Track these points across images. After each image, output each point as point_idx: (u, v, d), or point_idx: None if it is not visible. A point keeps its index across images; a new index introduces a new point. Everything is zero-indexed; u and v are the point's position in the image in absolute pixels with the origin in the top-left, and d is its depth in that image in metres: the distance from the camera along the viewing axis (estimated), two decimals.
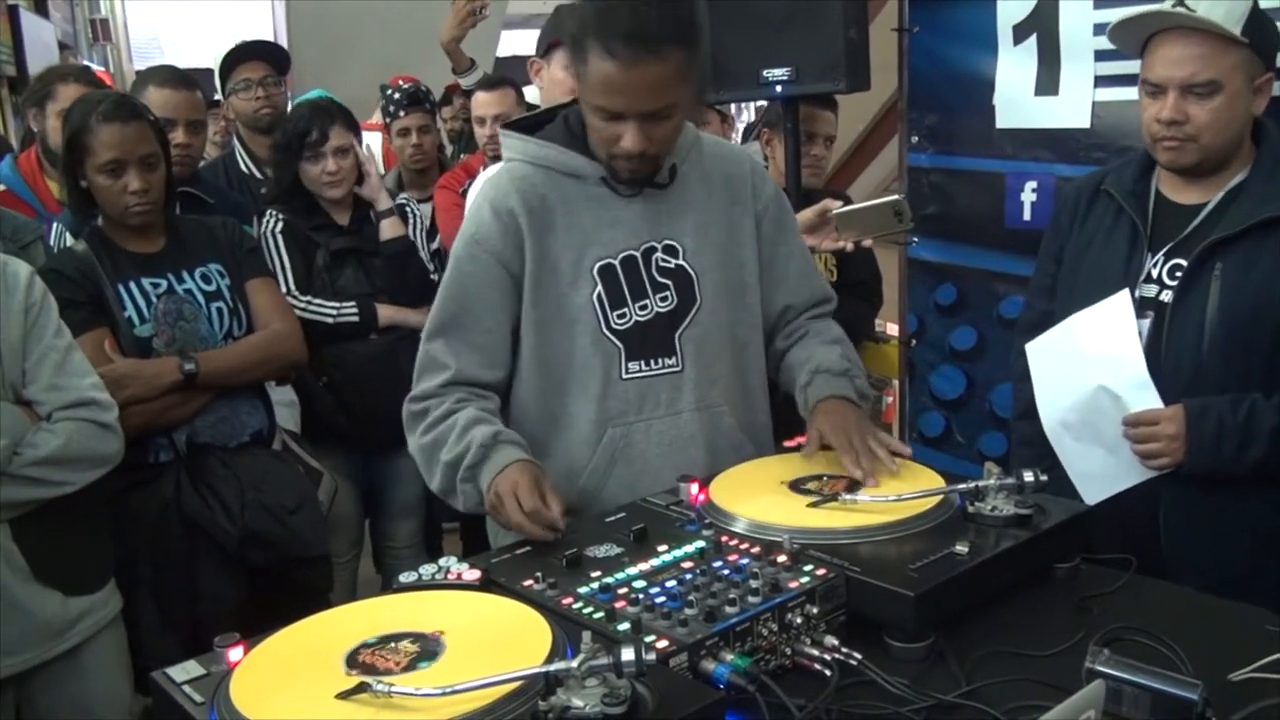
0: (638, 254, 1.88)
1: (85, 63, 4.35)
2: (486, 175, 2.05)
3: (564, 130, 1.91)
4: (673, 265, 1.90)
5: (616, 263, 1.87)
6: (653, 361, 1.89)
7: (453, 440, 1.79)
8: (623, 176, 1.84)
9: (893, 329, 3.56)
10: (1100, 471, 2.04)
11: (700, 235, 1.92)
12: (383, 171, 3.61)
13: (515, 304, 1.88)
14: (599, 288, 1.86)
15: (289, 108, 3.60)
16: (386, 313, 3.01)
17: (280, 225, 3.00)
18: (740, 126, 6.75)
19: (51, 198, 3.02)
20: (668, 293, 1.89)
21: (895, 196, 2.43)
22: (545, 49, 2.67)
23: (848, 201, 2.65)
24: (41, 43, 5.73)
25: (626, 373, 1.88)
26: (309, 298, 2.96)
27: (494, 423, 1.82)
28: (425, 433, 1.85)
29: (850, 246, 2.39)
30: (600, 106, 1.74)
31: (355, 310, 2.97)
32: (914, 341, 3.22)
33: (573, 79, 1.82)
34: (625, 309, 1.87)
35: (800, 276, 2.06)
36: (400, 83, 3.92)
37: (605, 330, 1.86)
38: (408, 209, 3.18)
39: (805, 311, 2.07)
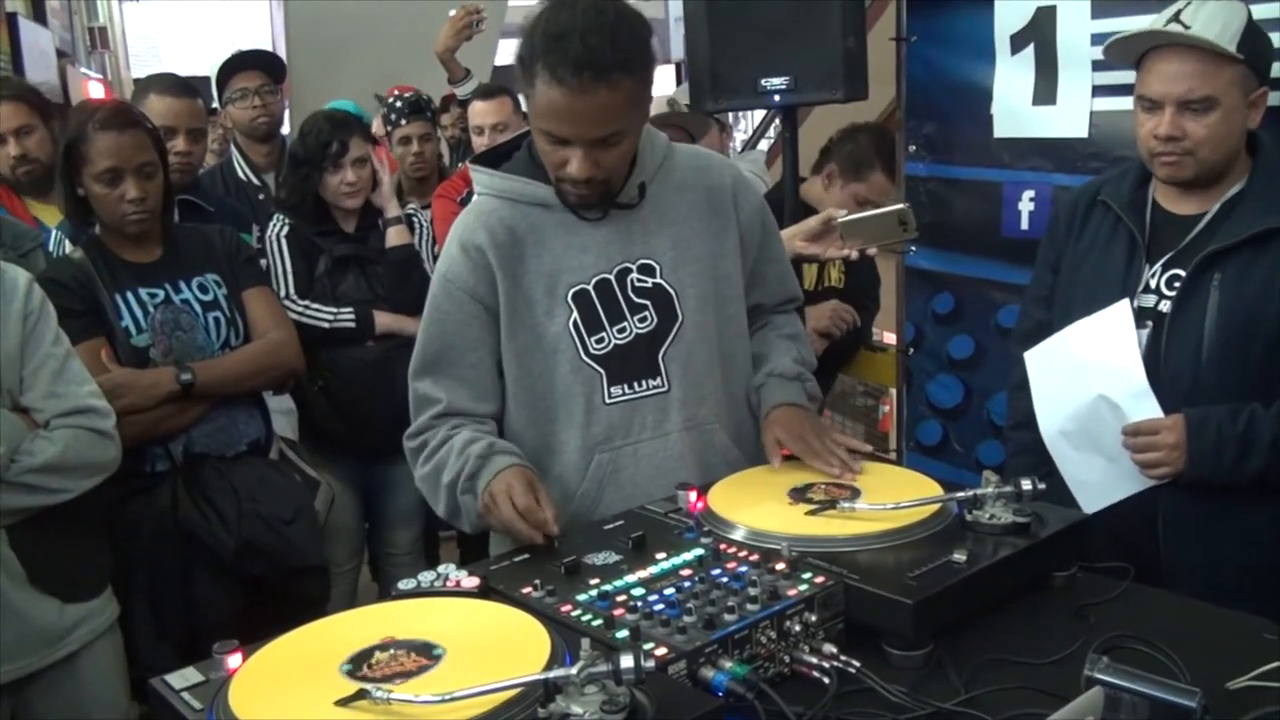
0: (611, 277, 1.86)
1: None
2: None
3: (527, 159, 1.89)
4: (650, 284, 1.88)
5: (590, 287, 1.85)
6: (636, 384, 1.88)
7: (451, 461, 1.80)
8: (570, 201, 1.82)
9: (890, 337, 3.56)
10: (1100, 480, 2.04)
11: (679, 251, 1.89)
12: None
13: (496, 338, 1.87)
14: (574, 314, 1.84)
15: (285, 115, 3.61)
16: (385, 319, 3.01)
17: (286, 230, 3.01)
18: (739, 137, 6.76)
19: (30, 218, 2.99)
20: (646, 313, 1.87)
21: (900, 205, 2.43)
22: None
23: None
24: (39, 50, 5.72)
25: (609, 398, 1.86)
26: (306, 302, 2.96)
27: (489, 437, 1.82)
28: (425, 463, 1.86)
29: (855, 255, 2.39)
30: (547, 131, 1.72)
31: (352, 316, 2.98)
32: (912, 350, 3.22)
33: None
34: (603, 333, 1.85)
35: (777, 280, 2.08)
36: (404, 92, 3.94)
37: (584, 357, 1.85)
38: (415, 219, 3.19)
39: (772, 308, 2.10)
